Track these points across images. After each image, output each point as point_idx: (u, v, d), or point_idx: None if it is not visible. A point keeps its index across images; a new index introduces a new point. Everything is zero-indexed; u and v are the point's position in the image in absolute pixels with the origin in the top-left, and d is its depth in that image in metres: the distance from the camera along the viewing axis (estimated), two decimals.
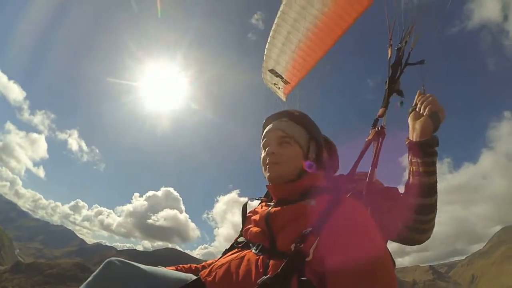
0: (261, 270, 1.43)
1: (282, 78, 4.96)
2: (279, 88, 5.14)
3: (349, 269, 1.29)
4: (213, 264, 1.66)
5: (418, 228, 1.75)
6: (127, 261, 1.58)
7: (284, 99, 5.22)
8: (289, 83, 4.94)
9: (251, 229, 1.76)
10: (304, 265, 1.35)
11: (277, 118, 1.96)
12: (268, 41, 4.78)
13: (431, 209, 1.71)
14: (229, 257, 1.66)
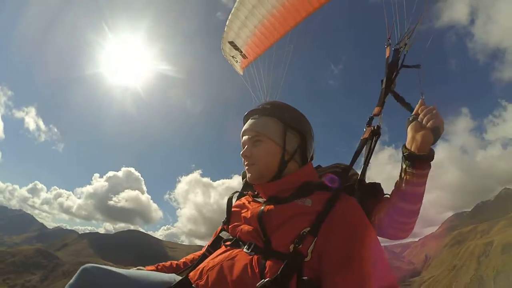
0: (257, 271, 1.39)
1: (241, 52, 4.91)
2: (236, 61, 5.09)
3: (347, 270, 1.31)
4: (202, 266, 1.57)
5: (402, 228, 1.83)
6: (104, 266, 1.45)
7: (241, 72, 5.20)
8: (247, 57, 4.90)
9: (241, 226, 1.69)
10: (303, 265, 1.36)
11: (250, 116, 1.93)
12: (232, 12, 4.61)
13: (416, 213, 1.78)
14: (219, 257, 1.57)
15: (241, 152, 1.85)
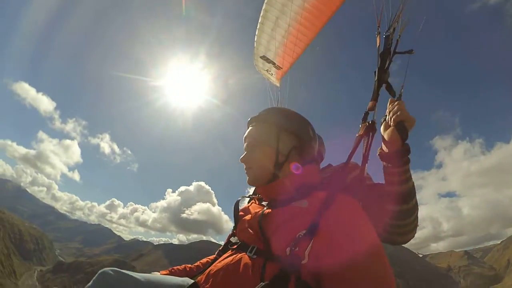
0: (257, 274, 1.40)
1: (274, 63, 4.88)
2: (271, 74, 5.01)
3: (344, 270, 1.29)
4: (209, 269, 1.62)
5: (397, 232, 1.77)
6: (121, 270, 1.57)
7: (277, 84, 5.01)
8: (281, 68, 4.86)
9: (244, 230, 1.73)
10: (301, 267, 1.34)
11: (249, 124, 1.97)
12: (258, 27, 4.68)
13: (409, 213, 1.72)
14: (224, 260, 1.61)
15: (241, 158, 1.88)
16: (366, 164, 1.97)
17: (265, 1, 4.41)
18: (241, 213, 1.92)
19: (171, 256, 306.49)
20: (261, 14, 4.59)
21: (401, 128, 1.67)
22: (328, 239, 1.36)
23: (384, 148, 1.77)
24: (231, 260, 1.56)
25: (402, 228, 1.75)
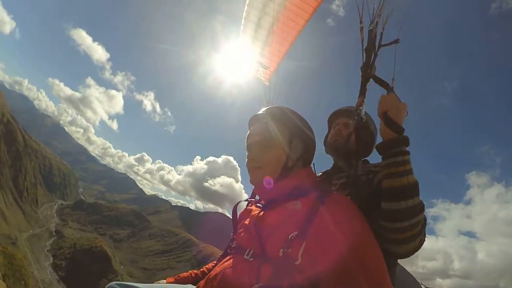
0: (253, 277, 1.41)
1: (261, 64, 4.80)
2: (260, 75, 4.88)
3: (338, 267, 1.30)
4: (209, 274, 1.65)
5: (387, 237, 1.63)
6: (127, 283, 1.63)
7: (267, 83, 4.90)
8: (268, 67, 4.80)
9: (242, 233, 1.75)
10: (294, 269, 1.36)
11: (257, 120, 1.94)
12: (241, 29, 4.59)
13: (400, 215, 1.56)
14: (223, 264, 1.64)
15: (247, 155, 1.85)
16: (358, 162, 1.96)
17: (246, 3, 4.29)
18: (240, 216, 1.95)
19: (186, 219, 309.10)
20: (243, 16, 4.47)
21: (386, 119, 1.64)
22: (320, 238, 1.38)
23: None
24: (228, 264, 1.58)
25: (391, 233, 1.61)
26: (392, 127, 1.62)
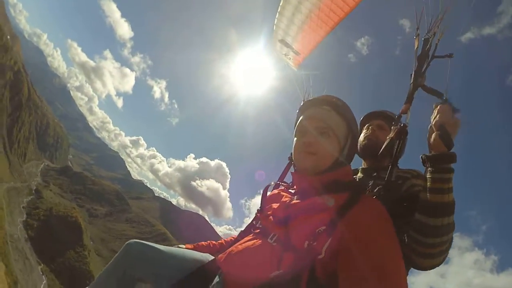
0: (275, 262, 1.42)
1: (292, 48, 4.75)
2: (289, 59, 4.85)
3: (357, 274, 1.29)
4: (230, 249, 1.65)
5: (416, 249, 1.65)
6: (146, 242, 1.71)
7: (295, 69, 4.84)
8: (299, 54, 4.74)
9: (269, 217, 1.74)
10: (316, 262, 1.37)
11: (317, 105, 1.89)
12: (278, 11, 4.49)
13: (435, 231, 1.57)
14: (246, 243, 1.64)
15: (304, 137, 1.80)
16: (395, 168, 1.94)
17: None
18: (269, 198, 1.95)
19: (165, 212, 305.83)
20: None
21: (442, 132, 1.59)
22: (345, 239, 1.37)
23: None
24: (252, 244, 1.59)
25: (422, 246, 1.62)
26: (446, 142, 1.57)
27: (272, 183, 2.10)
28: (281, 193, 1.91)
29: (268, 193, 2.01)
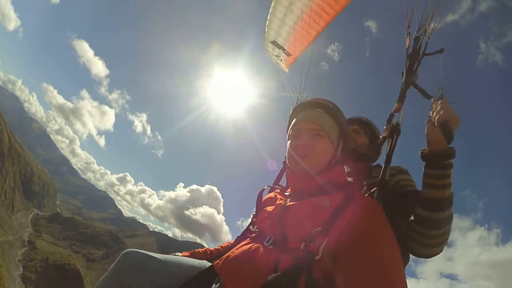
0: (271, 265, 1.41)
1: (284, 49, 4.85)
2: (281, 60, 4.97)
3: (356, 272, 1.28)
4: (227, 255, 1.64)
5: (420, 241, 1.70)
6: (143, 251, 1.68)
7: (286, 70, 5.03)
8: (291, 55, 4.82)
9: (265, 220, 1.74)
10: (313, 263, 1.36)
11: (309, 108, 1.89)
12: (270, 11, 4.58)
13: (439, 224, 1.63)
14: (242, 247, 1.63)
15: (291, 141, 1.83)
16: (389, 167, 1.95)
17: None
18: (264, 202, 1.94)
19: (162, 246, 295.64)
20: None
21: (446, 128, 1.58)
22: (343, 238, 1.37)
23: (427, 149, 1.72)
24: (249, 248, 1.57)
25: (427, 238, 1.67)
26: (448, 138, 1.58)
27: (266, 186, 2.12)
28: (276, 196, 1.91)
29: (264, 197, 2.02)
